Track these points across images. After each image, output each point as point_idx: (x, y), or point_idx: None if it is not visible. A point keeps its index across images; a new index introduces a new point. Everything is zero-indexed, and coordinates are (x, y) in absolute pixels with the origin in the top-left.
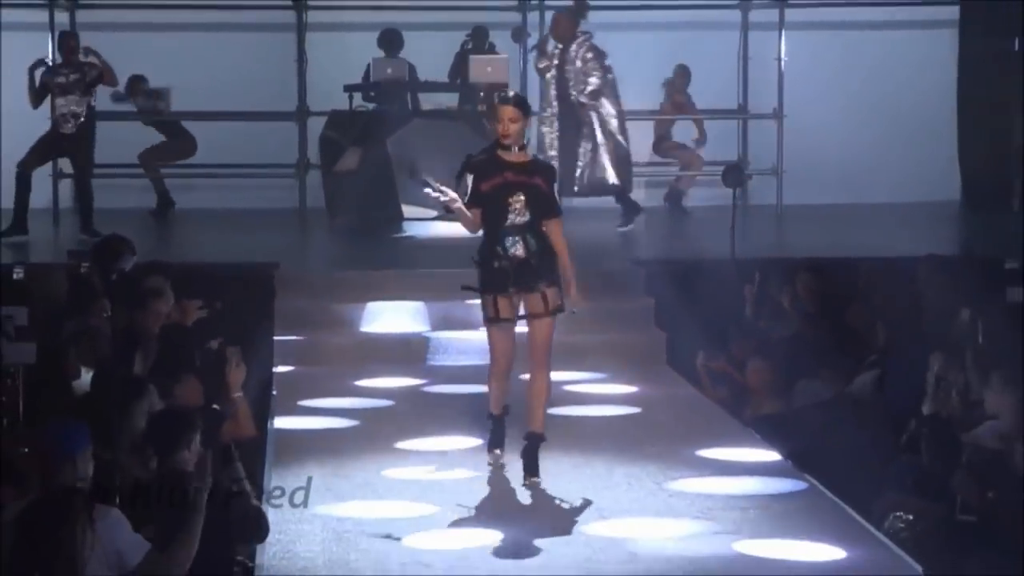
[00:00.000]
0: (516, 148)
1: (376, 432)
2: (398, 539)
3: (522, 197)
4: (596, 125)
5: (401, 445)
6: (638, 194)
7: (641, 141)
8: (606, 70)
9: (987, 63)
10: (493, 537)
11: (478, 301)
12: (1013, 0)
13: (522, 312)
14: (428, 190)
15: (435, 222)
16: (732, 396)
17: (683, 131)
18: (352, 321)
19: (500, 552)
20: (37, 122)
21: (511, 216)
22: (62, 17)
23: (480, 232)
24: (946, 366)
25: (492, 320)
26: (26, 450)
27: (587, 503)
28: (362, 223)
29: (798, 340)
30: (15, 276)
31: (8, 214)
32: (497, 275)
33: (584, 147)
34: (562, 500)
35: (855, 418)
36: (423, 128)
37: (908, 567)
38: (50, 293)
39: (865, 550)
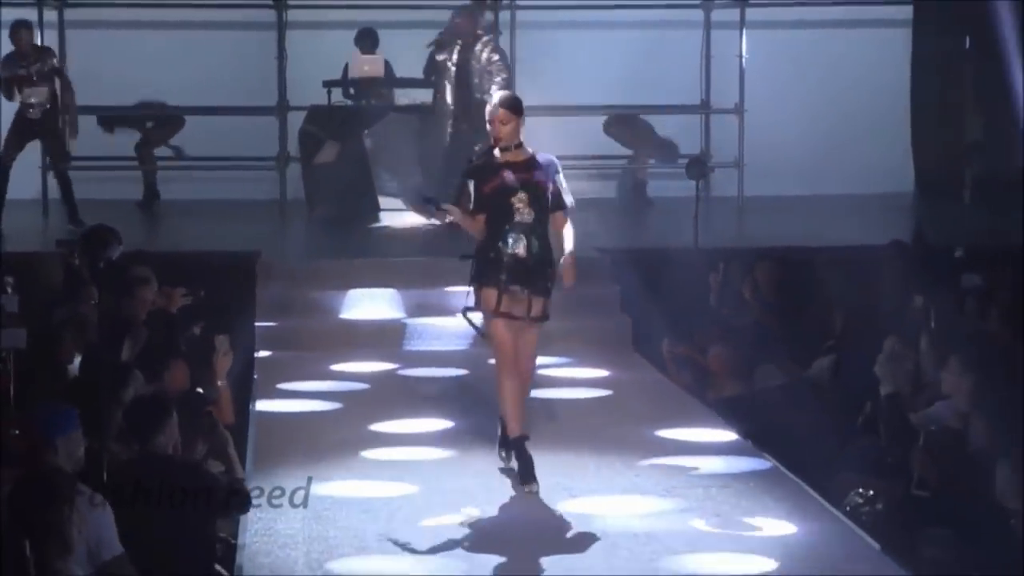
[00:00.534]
0: (513, 147)
1: (353, 414)
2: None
3: (524, 196)
4: None
5: (377, 427)
6: (590, 186)
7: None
8: (508, 71)
9: (939, 60)
10: (466, 515)
11: (452, 289)
12: (965, 0)
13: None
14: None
15: (408, 213)
16: (696, 380)
17: None
18: (330, 308)
19: (473, 529)
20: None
21: (516, 216)
22: (51, 15)
23: None
24: (898, 350)
25: (494, 313)
26: (16, 432)
27: (557, 482)
28: (340, 214)
29: (758, 327)
30: None
31: None
32: (493, 265)
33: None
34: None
35: (813, 400)
36: (398, 123)
37: (865, 544)
38: (42, 281)
39: (824, 527)
